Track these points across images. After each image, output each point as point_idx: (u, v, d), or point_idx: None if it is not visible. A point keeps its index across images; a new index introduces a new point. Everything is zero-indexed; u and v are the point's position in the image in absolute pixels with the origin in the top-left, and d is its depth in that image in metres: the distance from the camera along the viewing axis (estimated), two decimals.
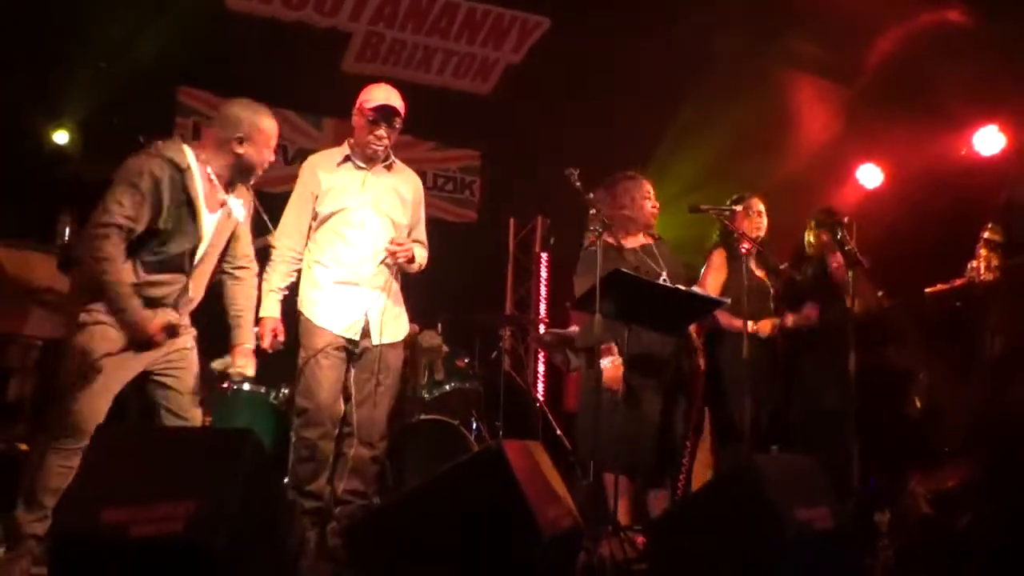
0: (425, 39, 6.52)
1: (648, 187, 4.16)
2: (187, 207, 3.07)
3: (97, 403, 2.99)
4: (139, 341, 3.05)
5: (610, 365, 3.84)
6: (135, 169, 3.01)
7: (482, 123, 7.11)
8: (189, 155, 3.09)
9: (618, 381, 3.80)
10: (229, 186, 3.21)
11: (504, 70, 6.81)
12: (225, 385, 4.79)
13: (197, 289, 3.23)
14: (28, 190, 5.77)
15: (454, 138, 7.45)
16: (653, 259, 4.04)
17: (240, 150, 3.16)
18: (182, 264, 3.13)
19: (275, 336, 3.55)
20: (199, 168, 3.11)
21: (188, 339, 3.24)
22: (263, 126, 3.22)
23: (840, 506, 3.25)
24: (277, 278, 3.61)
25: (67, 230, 5.00)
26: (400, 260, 3.61)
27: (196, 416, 3.22)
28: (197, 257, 3.16)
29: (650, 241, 4.14)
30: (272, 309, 3.58)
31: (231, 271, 3.37)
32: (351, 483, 3.53)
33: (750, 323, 4.22)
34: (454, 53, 6.65)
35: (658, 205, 4.17)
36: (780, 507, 2.91)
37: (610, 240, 3.95)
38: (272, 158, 3.28)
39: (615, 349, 3.86)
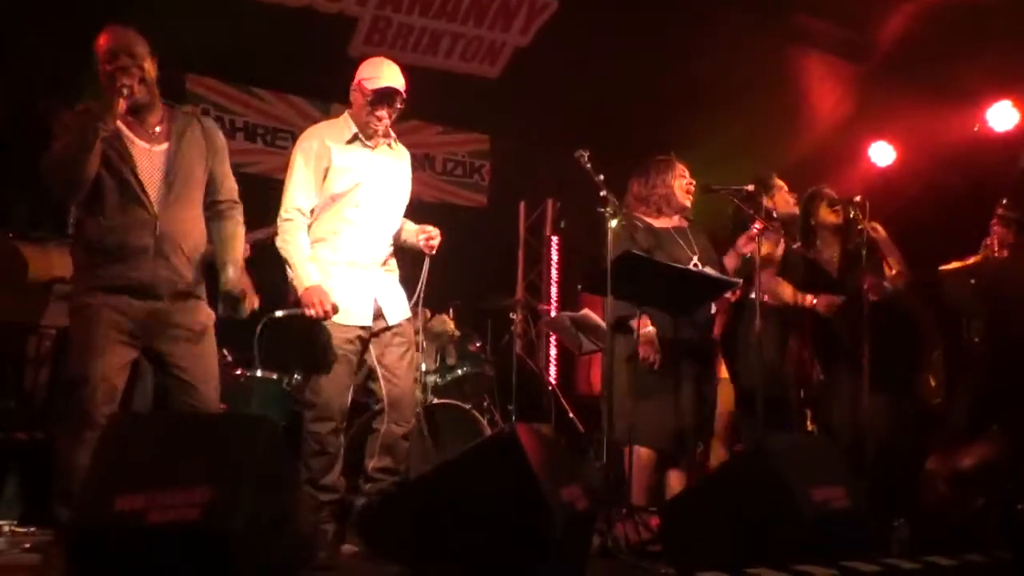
0: (432, 22, 6.47)
1: (682, 168, 4.16)
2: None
3: (108, 387, 2.92)
4: (114, 98, 2.89)
5: (646, 333, 3.85)
6: None
7: (491, 107, 7.06)
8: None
9: (654, 351, 3.85)
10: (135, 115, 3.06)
11: (512, 53, 6.77)
12: (239, 372, 4.82)
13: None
14: (40, 182, 5.77)
15: (463, 122, 7.41)
16: (686, 241, 4.05)
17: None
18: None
19: (321, 304, 3.34)
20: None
21: (197, 316, 3.09)
22: (96, 45, 3.06)
23: (856, 486, 3.25)
24: (305, 245, 3.45)
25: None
26: (435, 246, 3.58)
27: (212, 407, 3.11)
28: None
29: (684, 224, 4.13)
30: (314, 276, 3.40)
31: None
32: (382, 460, 3.49)
33: (809, 296, 4.34)
34: (461, 36, 6.61)
35: (693, 182, 4.16)
36: (795, 487, 2.92)
37: (635, 221, 3.96)
38: (116, 66, 2.98)
39: (648, 320, 3.87)
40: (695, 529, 3.15)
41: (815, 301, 4.37)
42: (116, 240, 2.96)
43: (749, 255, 4.07)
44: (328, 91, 6.79)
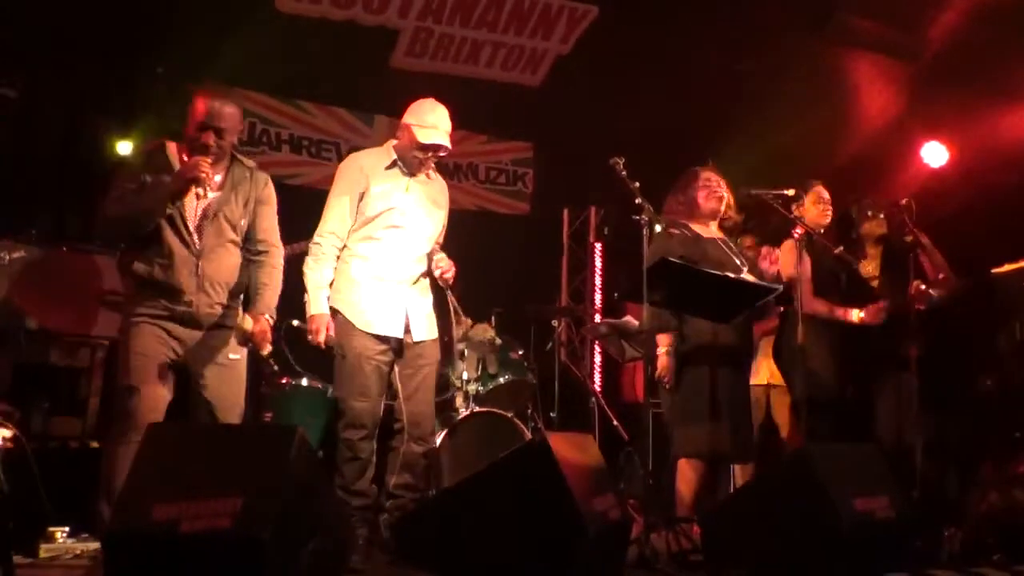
0: (473, 32, 6.50)
1: (707, 177, 4.10)
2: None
3: (153, 396, 3.19)
4: (185, 185, 3.22)
5: (663, 354, 3.86)
6: None
7: (533, 115, 7.08)
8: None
9: (668, 372, 3.84)
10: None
11: (554, 61, 6.77)
12: (284, 381, 4.89)
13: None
14: (94, 196, 5.93)
15: (506, 131, 7.43)
16: (734, 252, 4.01)
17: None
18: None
19: (328, 332, 3.58)
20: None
21: (233, 347, 3.38)
22: (194, 103, 3.38)
23: (901, 495, 3.18)
24: (326, 273, 3.63)
25: None
26: (449, 280, 3.69)
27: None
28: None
29: (721, 235, 4.10)
30: (323, 306, 3.60)
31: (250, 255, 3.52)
32: (402, 478, 3.57)
33: (853, 311, 4.21)
34: (502, 45, 6.63)
35: (720, 189, 4.10)
36: (837, 497, 2.87)
37: (683, 230, 3.94)
38: (202, 139, 3.31)
39: (669, 339, 3.85)
40: (735, 539, 3.11)
41: (862, 315, 4.25)
42: (163, 276, 3.28)
43: (777, 272, 3.98)
44: (371, 102, 6.88)
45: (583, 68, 6.63)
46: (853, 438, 4.43)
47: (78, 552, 3.55)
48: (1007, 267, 4.80)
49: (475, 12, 6.40)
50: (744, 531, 3.09)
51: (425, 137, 3.62)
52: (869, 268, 4.47)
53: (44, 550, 3.49)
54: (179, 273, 3.29)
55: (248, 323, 3.40)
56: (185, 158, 3.36)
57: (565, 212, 7.91)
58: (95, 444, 4.67)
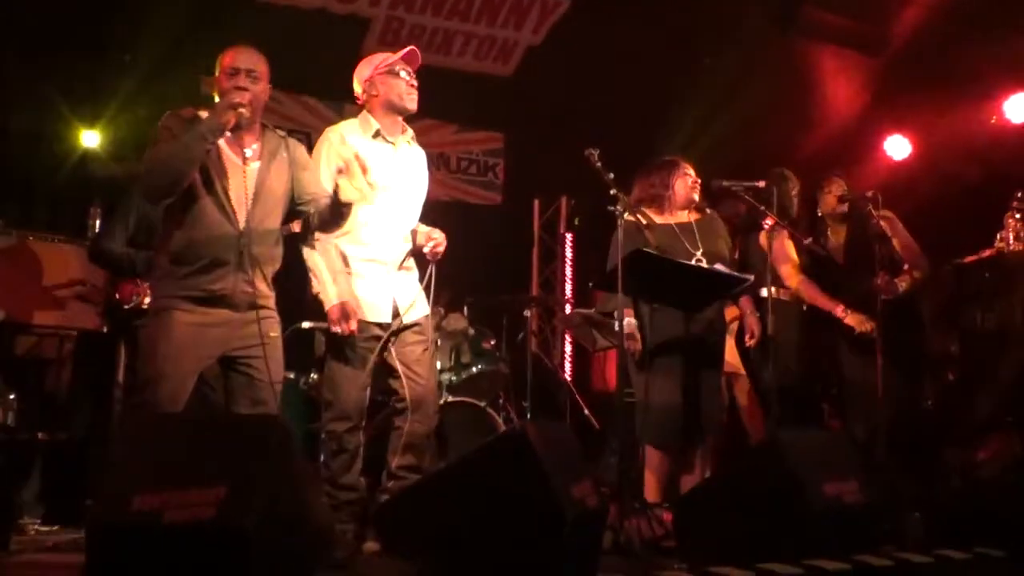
0: (445, 22, 6.51)
1: (686, 167, 4.14)
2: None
3: (176, 388, 3.02)
4: (226, 115, 3.00)
5: (626, 327, 3.85)
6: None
7: (504, 105, 7.09)
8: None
9: (635, 342, 3.86)
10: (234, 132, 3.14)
11: (525, 51, 6.79)
12: None
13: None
14: (61, 185, 5.88)
15: (477, 121, 7.44)
16: (689, 238, 4.03)
17: (213, 92, 3.20)
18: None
19: (347, 323, 3.38)
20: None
21: (270, 325, 3.18)
22: (221, 58, 3.17)
23: (869, 479, 3.25)
24: (335, 257, 3.46)
25: (96, 223, 5.07)
26: (440, 253, 3.55)
27: (274, 406, 3.17)
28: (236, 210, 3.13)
29: (690, 220, 4.12)
30: (343, 293, 3.41)
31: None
32: (405, 459, 3.46)
33: (839, 307, 4.34)
34: (474, 35, 6.64)
35: (699, 180, 4.15)
36: (807, 482, 2.91)
37: (639, 218, 3.95)
38: (235, 84, 3.10)
39: (630, 311, 3.88)
40: (708, 524, 3.15)
41: (846, 317, 4.34)
42: (202, 252, 3.07)
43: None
44: (342, 92, 6.82)
45: (554, 59, 6.65)
46: (819, 424, 4.56)
47: (49, 545, 3.53)
48: (968, 258, 4.90)
49: (447, 2, 6.41)
50: (716, 517, 3.12)
51: (396, 55, 3.56)
52: (833, 243, 4.57)
53: (15, 542, 3.46)
54: (220, 249, 3.07)
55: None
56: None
57: (536, 202, 7.95)
58: (63, 436, 4.62)
